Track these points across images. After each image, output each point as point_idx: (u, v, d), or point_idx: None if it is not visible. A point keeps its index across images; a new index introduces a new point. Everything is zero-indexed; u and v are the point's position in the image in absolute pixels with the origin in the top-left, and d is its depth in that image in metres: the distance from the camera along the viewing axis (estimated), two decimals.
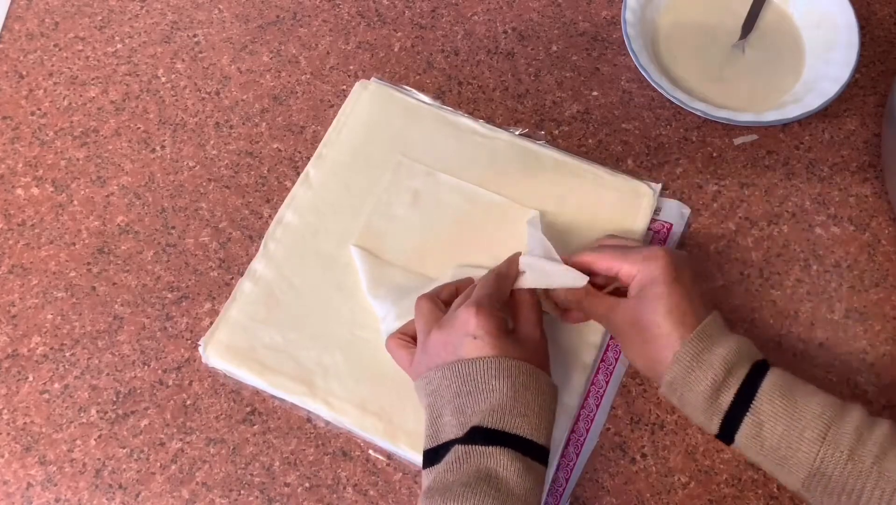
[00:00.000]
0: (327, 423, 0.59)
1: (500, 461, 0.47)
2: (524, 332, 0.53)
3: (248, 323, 0.62)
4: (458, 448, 0.48)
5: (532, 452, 0.48)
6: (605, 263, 0.55)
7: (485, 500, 0.45)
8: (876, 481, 0.45)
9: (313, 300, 0.63)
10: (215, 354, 0.61)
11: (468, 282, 0.58)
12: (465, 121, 0.70)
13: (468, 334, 0.50)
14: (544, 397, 0.50)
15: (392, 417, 0.59)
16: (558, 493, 0.57)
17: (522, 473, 0.47)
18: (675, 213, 0.67)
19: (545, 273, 0.56)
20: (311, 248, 0.65)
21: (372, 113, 0.70)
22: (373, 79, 0.73)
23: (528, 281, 0.56)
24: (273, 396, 0.60)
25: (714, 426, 0.50)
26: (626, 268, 0.54)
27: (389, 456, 0.59)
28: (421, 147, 0.69)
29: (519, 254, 0.58)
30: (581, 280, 0.55)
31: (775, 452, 0.47)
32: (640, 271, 0.53)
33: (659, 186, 0.67)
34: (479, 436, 0.48)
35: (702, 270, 0.65)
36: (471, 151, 0.69)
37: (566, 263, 0.56)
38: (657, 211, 0.67)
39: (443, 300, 0.56)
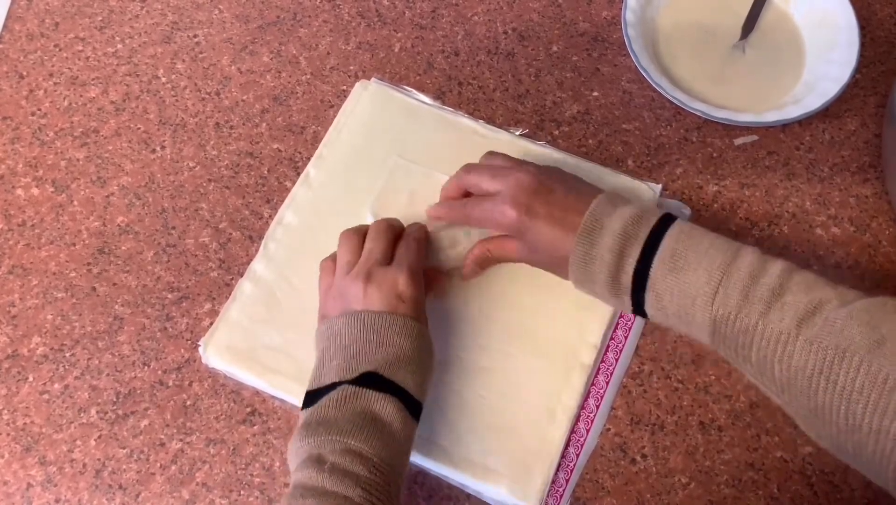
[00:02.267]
0: None
1: (386, 407, 0.50)
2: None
3: (248, 323, 0.62)
4: (346, 387, 0.51)
5: (411, 407, 0.52)
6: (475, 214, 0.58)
7: (371, 439, 0.49)
8: (761, 335, 0.46)
9: (313, 300, 0.62)
10: (215, 354, 0.61)
11: (387, 226, 0.60)
12: (466, 121, 0.70)
13: (395, 294, 0.54)
14: (431, 360, 0.55)
15: None
16: (558, 493, 0.57)
17: (404, 422, 0.51)
18: (676, 213, 0.67)
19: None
20: (311, 248, 0.64)
21: (372, 113, 0.70)
22: (373, 79, 0.73)
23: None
24: (273, 397, 0.60)
25: (628, 307, 0.53)
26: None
27: None
28: (421, 147, 0.69)
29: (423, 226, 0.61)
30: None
31: (679, 319, 0.50)
32: (499, 226, 0.56)
33: (659, 187, 0.67)
34: (369, 381, 0.51)
35: None
36: (470, 152, 0.68)
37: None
38: None
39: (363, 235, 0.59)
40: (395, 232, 0.59)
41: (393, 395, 0.51)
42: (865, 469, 0.45)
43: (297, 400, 0.59)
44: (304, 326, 0.61)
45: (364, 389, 0.50)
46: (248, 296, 0.63)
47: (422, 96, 0.72)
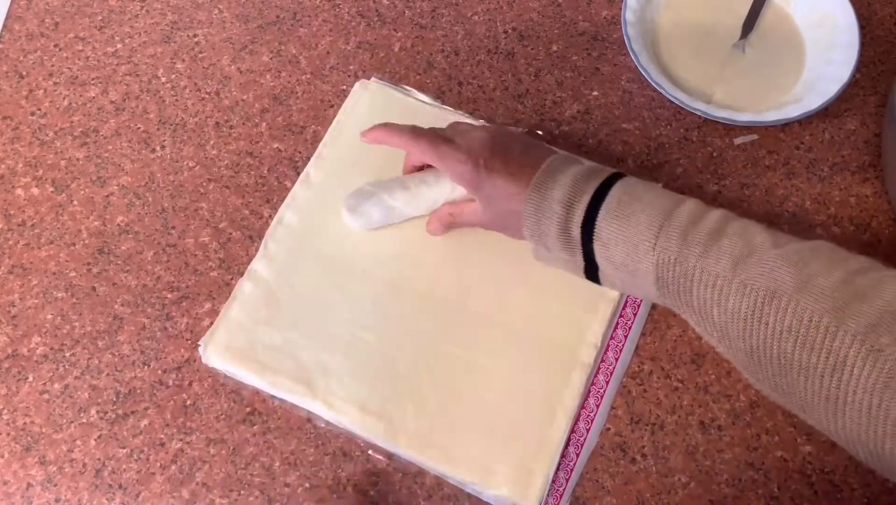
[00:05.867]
0: (327, 422, 0.59)
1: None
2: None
3: (248, 323, 0.62)
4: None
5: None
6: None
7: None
8: (699, 279, 0.47)
9: (313, 300, 0.63)
10: (215, 354, 0.61)
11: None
12: (466, 121, 0.70)
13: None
14: None
15: (392, 417, 0.59)
16: (559, 493, 0.57)
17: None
18: None
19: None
20: (311, 248, 0.64)
21: (372, 113, 0.70)
22: (373, 78, 0.73)
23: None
24: (273, 397, 0.60)
25: (579, 263, 0.53)
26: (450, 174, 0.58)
27: (389, 456, 0.59)
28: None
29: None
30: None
31: (626, 268, 0.50)
32: (461, 182, 0.57)
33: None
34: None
35: None
36: None
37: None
38: None
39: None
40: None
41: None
42: (799, 409, 0.46)
43: (298, 400, 0.59)
44: (304, 326, 0.62)
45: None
46: (247, 296, 0.63)
47: (421, 96, 0.72)
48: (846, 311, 0.42)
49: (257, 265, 0.64)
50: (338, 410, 0.59)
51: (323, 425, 0.59)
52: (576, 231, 0.52)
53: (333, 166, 0.68)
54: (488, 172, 0.55)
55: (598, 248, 0.51)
